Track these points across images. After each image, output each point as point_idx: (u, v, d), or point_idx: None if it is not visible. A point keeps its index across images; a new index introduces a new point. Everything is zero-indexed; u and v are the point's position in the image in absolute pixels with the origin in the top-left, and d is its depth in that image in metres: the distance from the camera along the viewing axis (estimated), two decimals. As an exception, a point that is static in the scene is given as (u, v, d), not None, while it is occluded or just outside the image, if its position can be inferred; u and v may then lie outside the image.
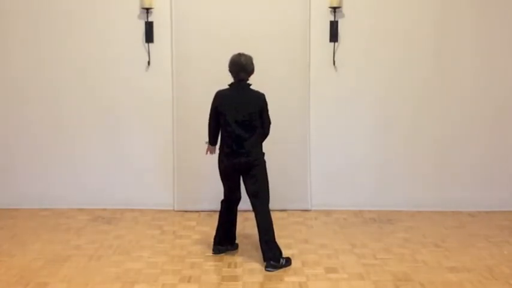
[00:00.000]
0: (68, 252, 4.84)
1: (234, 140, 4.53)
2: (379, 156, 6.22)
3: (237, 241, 4.95)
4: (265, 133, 4.66)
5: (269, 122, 4.65)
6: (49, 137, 6.22)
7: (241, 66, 4.51)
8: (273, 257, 4.47)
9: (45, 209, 6.14)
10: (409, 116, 6.19)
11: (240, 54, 4.57)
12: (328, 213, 6.11)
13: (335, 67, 6.12)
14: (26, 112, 6.20)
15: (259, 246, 4.58)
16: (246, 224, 5.48)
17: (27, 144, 6.23)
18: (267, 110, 4.60)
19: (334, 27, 6.04)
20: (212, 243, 4.86)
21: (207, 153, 4.86)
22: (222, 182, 4.74)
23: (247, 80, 4.58)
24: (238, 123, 4.51)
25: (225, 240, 4.85)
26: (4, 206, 6.18)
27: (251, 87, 4.60)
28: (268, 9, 6.02)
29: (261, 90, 4.62)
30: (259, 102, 4.54)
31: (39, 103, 6.18)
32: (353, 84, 6.15)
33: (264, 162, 4.63)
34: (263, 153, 4.63)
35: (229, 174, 4.65)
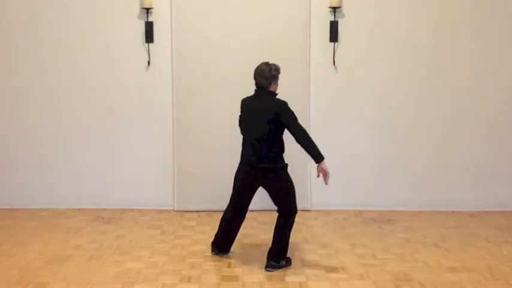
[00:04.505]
0: (68, 252, 4.84)
1: (248, 147, 4.47)
2: (379, 156, 6.22)
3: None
4: (301, 136, 4.40)
5: (298, 129, 4.39)
6: (49, 137, 6.21)
7: (257, 71, 4.42)
8: (274, 259, 4.47)
9: (45, 209, 6.14)
10: (409, 116, 6.19)
11: (264, 63, 4.45)
12: (328, 213, 6.11)
13: (335, 67, 6.12)
14: (26, 112, 6.19)
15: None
16: (246, 224, 5.44)
17: (27, 144, 6.23)
18: (291, 118, 4.34)
19: (334, 27, 6.04)
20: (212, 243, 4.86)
21: None
22: (233, 186, 4.66)
23: (268, 87, 4.40)
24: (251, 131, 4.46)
25: (224, 243, 4.80)
26: (4, 206, 6.19)
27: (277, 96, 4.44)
28: (268, 9, 6.02)
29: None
30: (273, 109, 4.32)
31: (39, 103, 6.17)
32: (353, 84, 6.15)
33: (283, 174, 4.44)
34: (281, 166, 4.44)
35: (240, 182, 4.57)
